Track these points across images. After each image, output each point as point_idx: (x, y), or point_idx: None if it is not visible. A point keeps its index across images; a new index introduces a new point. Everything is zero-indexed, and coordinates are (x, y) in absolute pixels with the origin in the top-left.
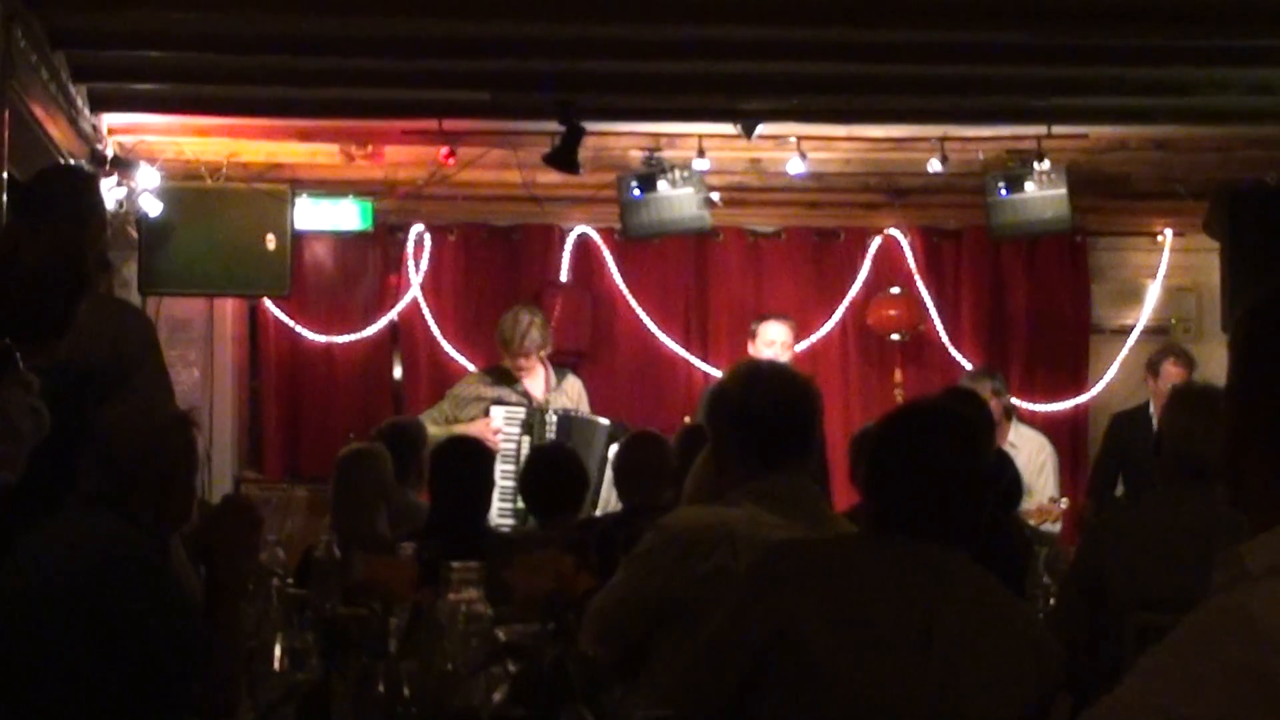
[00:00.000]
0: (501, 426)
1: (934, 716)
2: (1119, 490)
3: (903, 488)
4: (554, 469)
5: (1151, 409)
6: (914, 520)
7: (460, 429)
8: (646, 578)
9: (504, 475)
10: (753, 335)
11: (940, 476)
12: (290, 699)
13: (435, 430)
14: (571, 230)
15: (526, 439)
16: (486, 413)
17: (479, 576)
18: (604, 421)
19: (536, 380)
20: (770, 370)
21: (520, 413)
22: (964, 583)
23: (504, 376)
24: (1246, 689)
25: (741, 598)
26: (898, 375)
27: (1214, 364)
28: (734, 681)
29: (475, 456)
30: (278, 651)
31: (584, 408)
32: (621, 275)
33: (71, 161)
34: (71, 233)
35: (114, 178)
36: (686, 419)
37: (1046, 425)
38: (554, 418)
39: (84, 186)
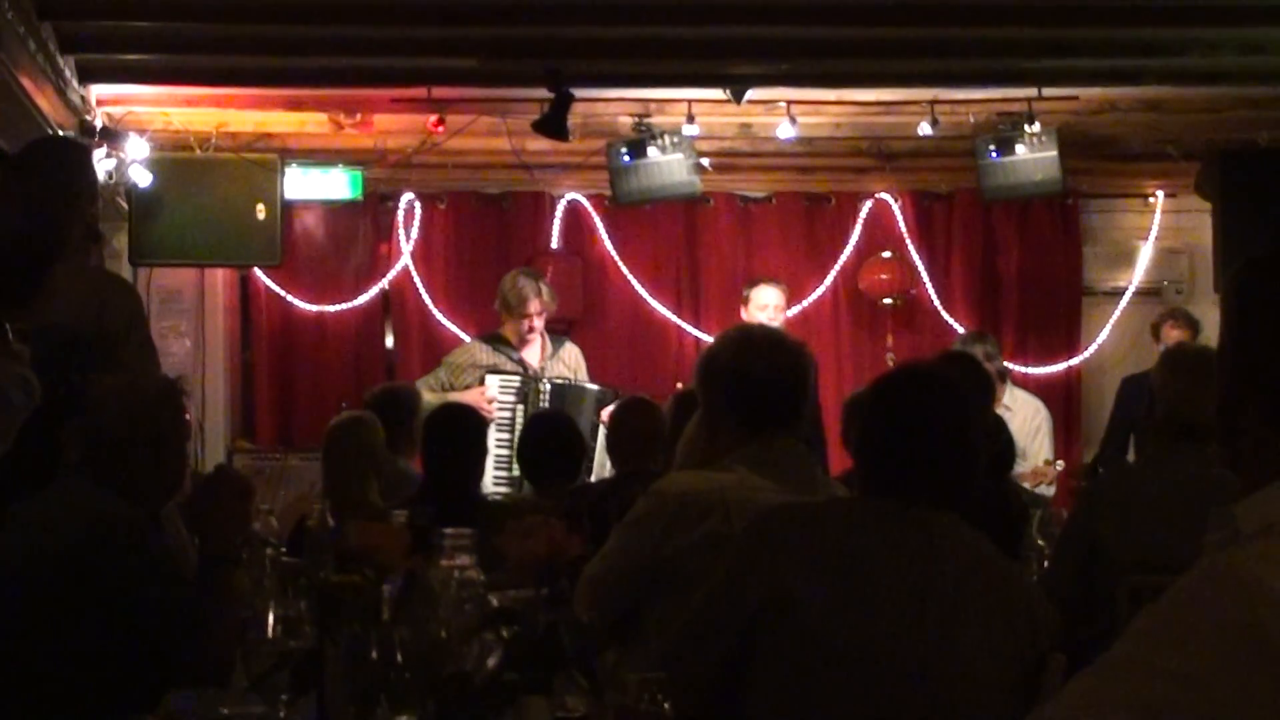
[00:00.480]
0: (496, 395)
1: (928, 678)
2: (1130, 454)
3: (895, 451)
4: (551, 435)
5: None
6: (907, 484)
7: (455, 397)
8: (640, 543)
9: (499, 444)
10: (745, 300)
11: (931, 440)
12: (284, 666)
13: (432, 398)
14: (561, 197)
15: (521, 408)
16: (482, 380)
17: (472, 543)
18: (594, 387)
19: (533, 348)
20: (762, 335)
21: (515, 381)
22: (957, 545)
23: (500, 344)
24: (1239, 647)
25: (735, 562)
26: (889, 339)
27: (1207, 325)
28: (728, 646)
29: (468, 424)
30: (271, 620)
31: (582, 375)
32: (612, 242)
33: (60, 133)
34: (46, 200)
35: (103, 149)
36: (679, 385)
37: (1039, 388)
38: (548, 387)
39: (72, 158)
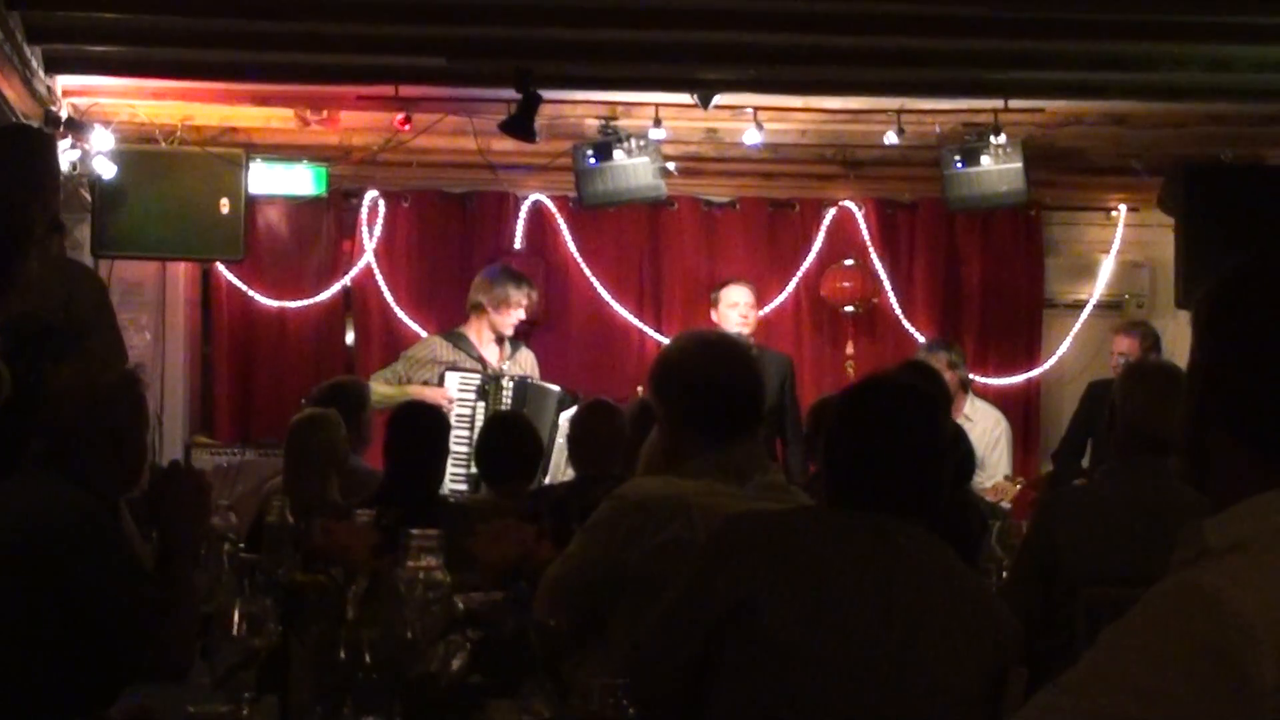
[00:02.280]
0: (455, 394)
1: (892, 688)
2: (1085, 458)
3: (863, 462)
4: (510, 436)
5: None
6: (874, 494)
7: (414, 390)
8: (602, 548)
9: (458, 441)
10: (715, 301)
11: (900, 452)
12: (249, 664)
13: (386, 390)
14: (526, 198)
15: (482, 405)
16: (441, 378)
17: (438, 544)
18: (555, 389)
19: (491, 348)
20: (719, 340)
21: (475, 379)
22: (923, 556)
23: (461, 341)
24: (1206, 666)
25: (700, 568)
26: (850, 347)
27: (1166, 338)
28: (692, 652)
29: (432, 424)
30: (235, 617)
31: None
32: (575, 244)
33: (26, 122)
34: (12, 192)
35: (68, 140)
36: (639, 389)
37: (998, 399)
38: (510, 384)
39: (37, 147)
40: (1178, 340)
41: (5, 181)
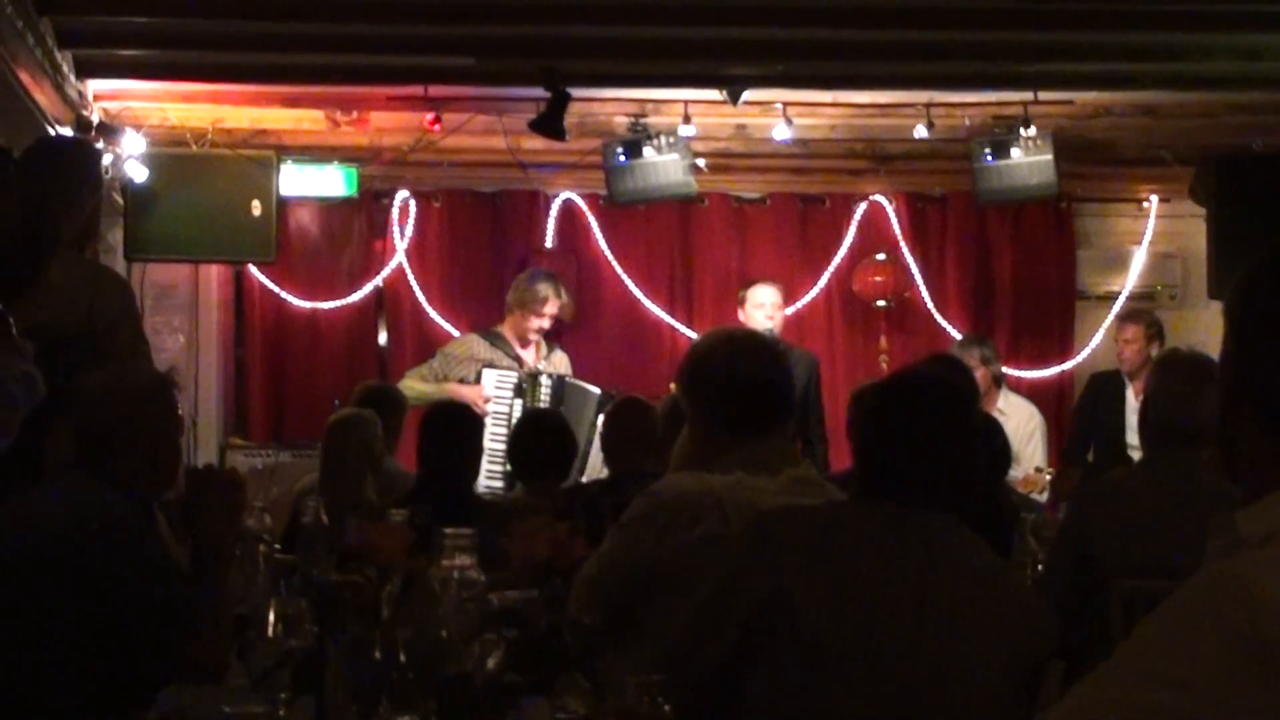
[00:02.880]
0: (492, 391)
1: (926, 682)
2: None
3: (896, 457)
4: (543, 434)
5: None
6: (906, 488)
7: (451, 389)
8: (636, 545)
9: (494, 438)
10: (742, 300)
11: (933, 446)
12: (284, 665)
13: (423, 387)
14: (556, 196)
15: (519, 402)
16: (478, 375)
17: (472, 543)
18: (595, 390)
19: (529, 348)
20: (747, 337)
21: (513, 376)
22: (956, 549)
23: (498, 339)
24: (1241, 656)
25: (734, 563)
26: (883, 341)
27: (1199, 330)
28: (727, 646)
29: (466, 423)
30: (271, 618)
31: None
32: (606, 241)
33: (58, 127)
34: (39, 197)
35: (99, 144)
36: (671, 386)
37: (1032, 392)
38: (548, 381)
39: (73, 156)
40: (1212, 331)
41: (40, 191)
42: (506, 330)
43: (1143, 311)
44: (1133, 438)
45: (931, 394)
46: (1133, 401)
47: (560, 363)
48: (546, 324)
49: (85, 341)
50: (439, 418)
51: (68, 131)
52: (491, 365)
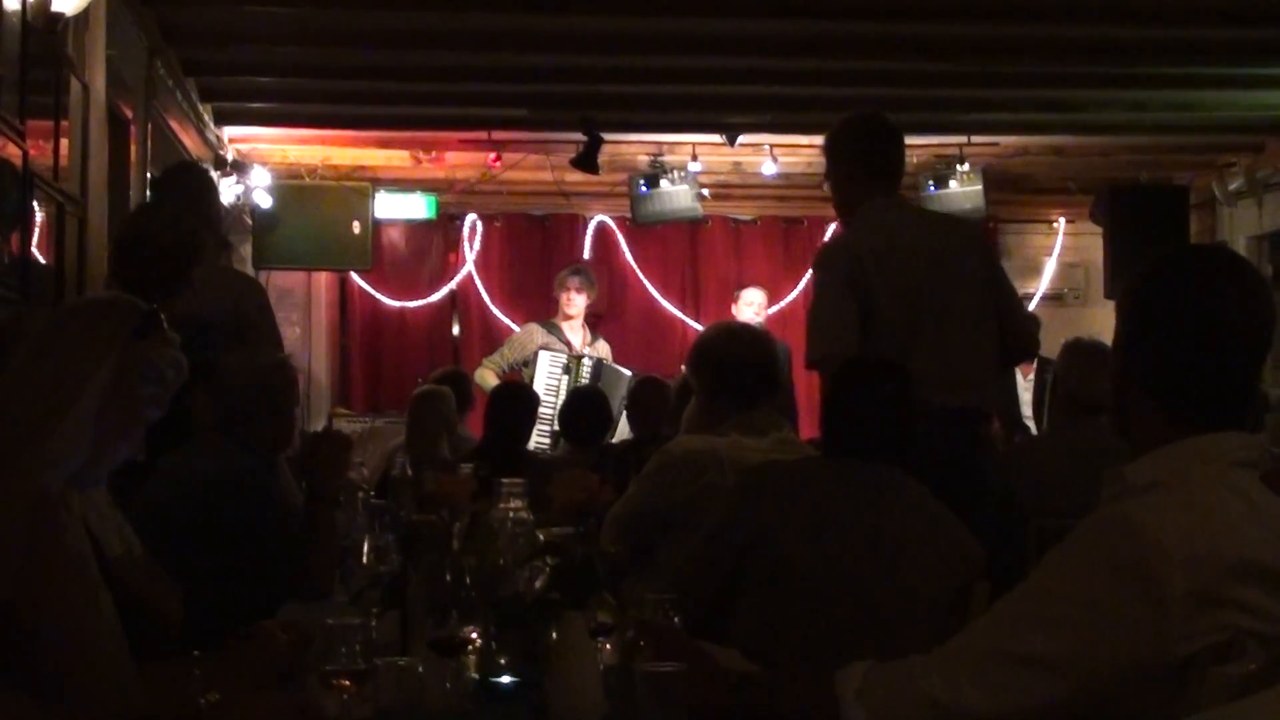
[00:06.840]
0: (547, 367)
1: (881, 599)
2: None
3: (850, 422)
4: (586, 405)
5: None
6: (860, 445)
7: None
8: (653, 492)
9: (545, 405)
10: (735, 300)
11: (882, 413)
12: (376, 586)
13: (493, 380)
14: (592, 219)
15: (565, 378)
16: (536, 354)
17: (523, 490)
18: (627, 372)
19: (576, 334)
20: (742, 329)
21: (562, 357)
22: (902, 494)
23: (552, 328)
24: (1129, 577)
25: (729, 507)
26: None
27: (1098, 323)
28: (723, 573)
29: (523, 398)
30: (365, 549)
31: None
32: (631, 254)
33: (192, 161)
34: (186, 214)
35: (233, 177)
36: (682, 367)
37: None
38: (589, 362)
39: (206, 181)
40: (1107, 323)
41: (181, 208)
42: (559, 319)
43: None
44: (1026, 410)
45: (876, 373)
46: (1022, 380)
47: (602, 349)
48: (575, 298)
49: (228, 330)
50: (504, 395)
51: (210, 167)
52: (547, 348)
